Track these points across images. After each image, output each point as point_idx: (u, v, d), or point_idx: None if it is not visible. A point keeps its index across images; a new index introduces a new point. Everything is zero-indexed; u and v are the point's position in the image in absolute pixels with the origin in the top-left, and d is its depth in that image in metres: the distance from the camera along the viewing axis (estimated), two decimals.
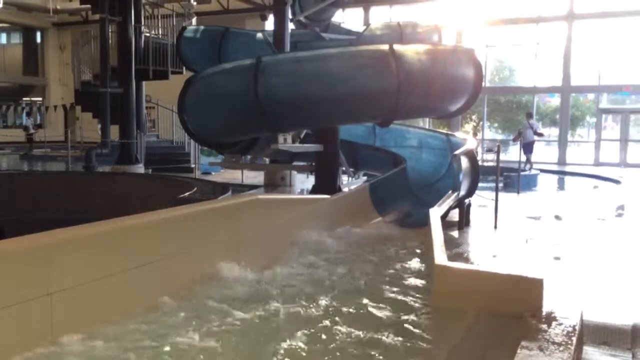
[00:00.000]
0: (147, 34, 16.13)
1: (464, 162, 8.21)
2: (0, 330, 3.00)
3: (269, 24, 21.49)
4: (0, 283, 3.04)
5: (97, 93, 14.80)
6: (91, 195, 9.23)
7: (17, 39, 34.72)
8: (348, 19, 22.24)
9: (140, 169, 14.21)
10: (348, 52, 8.49)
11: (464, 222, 8.22)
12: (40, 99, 33.54)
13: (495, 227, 8.24)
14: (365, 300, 4.37)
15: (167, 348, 3.33)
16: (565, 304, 3.68)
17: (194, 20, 17.86)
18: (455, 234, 7.78)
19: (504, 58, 26.00)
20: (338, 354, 3.40)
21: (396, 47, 7.75)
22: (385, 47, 7.79)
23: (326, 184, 9.00)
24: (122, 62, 14.41)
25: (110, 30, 14.76)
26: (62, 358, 3.10)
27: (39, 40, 33.73)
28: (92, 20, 21.38)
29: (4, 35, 34.69)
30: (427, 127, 18.55)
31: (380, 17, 23.73)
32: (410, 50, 7.96)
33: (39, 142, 25.13)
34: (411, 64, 7.74)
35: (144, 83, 16.03)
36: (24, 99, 33.93)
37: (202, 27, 14.84)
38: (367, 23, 20.48)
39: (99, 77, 15.01)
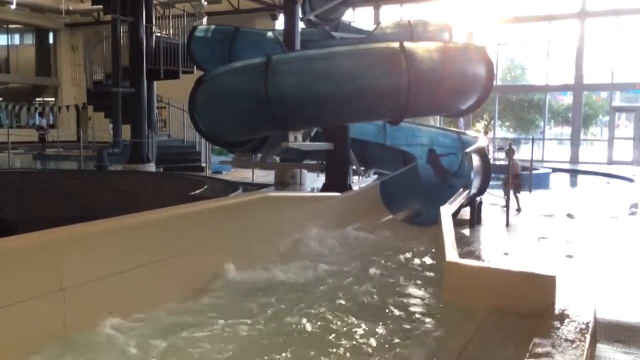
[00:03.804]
0: (158, 34, 16.21)
1: (476, 160, 8.16)
2: (14, 324, 3.03)
3: (279, 23, 21.50)
4: (15, 278, 3.06)
5: (108, 93, 14.90)
6: (103, 193, 9.29)
7: (30, 39, 35.01)
8: (358, 18, 22.20)
9: (151, 168, 14.28)
10: (358, 50, 8.46)
11: (475, 220, 8.18)
12: (52, 99, 33.83)
13: (507, 225, 8.18)
14: (375, 296, 4.38)
15: (180, 342, 3.34)
16: (579, 302, 3.65)
17: (204, 20, 17.91)
18: (466, 232, 7.74)
19: (515, 56, 25.82)
20: (348, 347, 3.40)
21: (407, 44, 7.71)
22: (396, 44, 7.76)
23: (336, 182, 8.98)
24: (133, 62, 14.50)
25: (121, 30, 14.86)
26: (75, 353, 3.13)
27: (51, 41, 34.01)
28: (104, 20, 21.50)
29: (17, 36, 34.98)
30: (438, 125, 18.45)
31: (391, 15, 23.66)
32: (421, 48, 7.92)
33: (52, 142, 25.34)
34: (422, 62, 7.70)
35: (155, 83, 16.12)
36: (37, 99, 34.23)
37: (212, 27, 14.91)
38: (377, 22, 20.44)
39: (111, 77, 15.11)
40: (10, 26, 32.96)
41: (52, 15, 29.46)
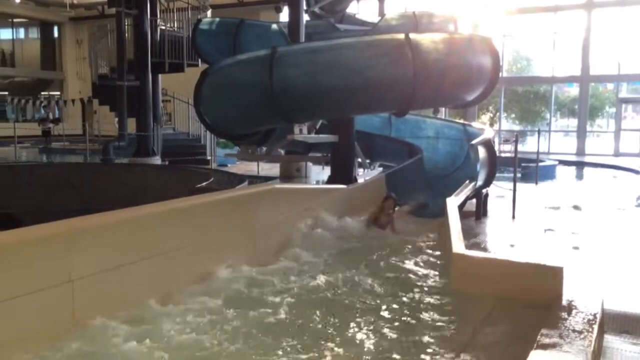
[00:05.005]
0: (163, 27, 16.19)
1: (482, 152, 8.14)
2: (23, 316, 3.05)
3: (284, 16, 21.43)
4: (23, 270, 3.08)
5: (114, 86, 14.91)
6: (109, 186, 9.32)
7: (34, 33, 35.09)
8: (363, 9, 22.10)
9: (157, 161, 14.31)
10: (364, 41, 8.43)
11: (481, 212, 8.16)
12: (58, 93, 33.92)
13: (513, 217, 8.16)
14: (381, 288, 4.38)
15: (188, 336, 3.35)
16: (586, 293, 3.64)
17: (209, 13, 17.86)
18: (472, 224, 7.72)
19: (521, 48, 25.66)
20: (354, 338, 3.41)
21: (412, 36, 7.67)
22: (401, 36, 7.72)
23: (342, 175, 8.98)
24: (138, 56, 14.50)
25: (126, 23, 14.85)
26: (84, 344, 3.15)
27: (56, 34, 34.07)
28: (109, 14, 21.51)
29: (22, 30, 35.06)
30: (443, 117, 18.37)
31: (396, 7, 23.51)
32: (426, 39, 7.88)
33: (58, 136, 25.43)
34: (427, 53, 7.66)
35: (160, 76, 16.12)
36: (42, 93, 34.34)
37: (217, 20, 14.87)
38: (382, 13, 20.34)
39: (116, 70, 15.12)
40: (15, 20, 33.03)
41: (56, 9, 29.51)
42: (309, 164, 13.20)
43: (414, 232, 6.58)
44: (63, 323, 3.22)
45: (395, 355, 3.20)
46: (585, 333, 2.96)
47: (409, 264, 5.14)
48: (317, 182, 11.96)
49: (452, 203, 5.99)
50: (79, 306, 3.30)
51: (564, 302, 3.45)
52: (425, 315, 3.79)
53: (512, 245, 6.49)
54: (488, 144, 8.54)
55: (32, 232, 3.27)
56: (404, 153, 9.71)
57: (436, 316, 3.79)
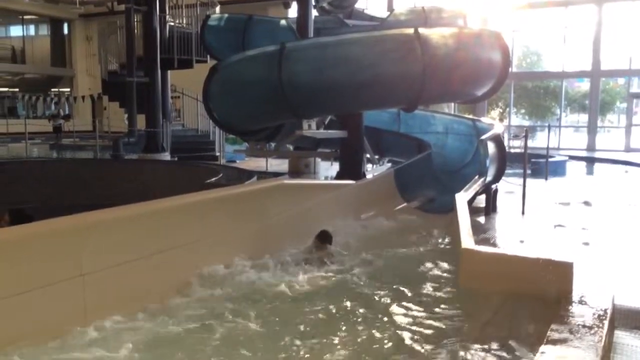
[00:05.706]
0: (172, 24, 16.22)
1: (491, 148, 8.10)
2: (36, 310, 3.08)
3: (292, 12, 21.40)
4: (35, 264, 3.11)
5: (123, 83, 14.97)
6: (120, 182, 9.38)
7: (44, 30, 35.27)
8: (371, 5, 21.99)
9: (166, 157, 14.36)
10: (373, 36, 8.40)
11: (490, 208, 8.13)
12: (68, 89, 34.10)
13: (523, 213, 8.12)
14: (389, 282, 4.39)
15: (197, 331, 3.38)
16: (596, 288, 3.63)
17: (217, 9, 17.89)
18: (481, 219, 7.70)
19: (531, 43, 25.47)
20: (369, 332, 3.42)
21: (421, 31, 7.63)
22: (410, 31, 7.68)
23: (350, 170, 8.97)
24: (147, 52, 14.54)
25: (135, 20, 14.89)
26: (96, 338, 3.17)
27: (66, 31, 34.23)
28: (118, 10, 21.59)
29: (32, 27, 35.26)
30: (452, 112, 18.27)
31: (404, 2, 23.41)
32: (435, 34, 7.83)
33: (68, 132, 25.57)
34: (437, 48, 7.62)
35: (169, 72, 16.16)
36: (53, 89, 34.53)
37: (225, 16, 14.88)
38: (390, 9, 20.26)
39: (125, 67, 15.18)
40: (25, 17, 33.22)
41: (66, 6, 29.63)
42: (318, 159, 13.19)
43: (423, 227, 6.57)
44: (75, 316, 3.25)
45: (403, 348, 3.21)
46: (596, 328, 2.95)
47: (418, 259, 5.14)
48: (326, 178, 11.96)
49: (462, 199, 5.97)
50: (90, 300, 3.34)
51: (575, 298, 3.43)
52: (434, 310, 3.79)
53: (521, 241, 6.46)
54: (498, 140, 8.51)
55: (43, 227, 3.30)
56: (413, 148, 9.69)
57: (445, 311, 3.79)
